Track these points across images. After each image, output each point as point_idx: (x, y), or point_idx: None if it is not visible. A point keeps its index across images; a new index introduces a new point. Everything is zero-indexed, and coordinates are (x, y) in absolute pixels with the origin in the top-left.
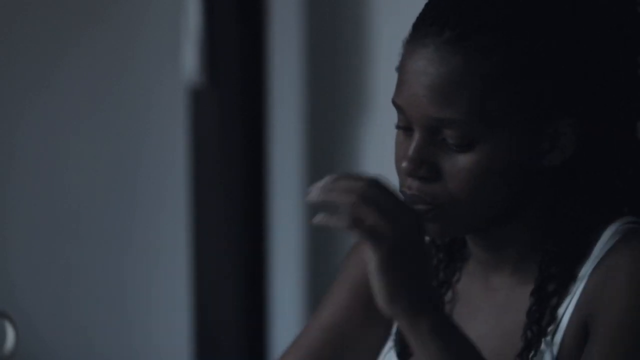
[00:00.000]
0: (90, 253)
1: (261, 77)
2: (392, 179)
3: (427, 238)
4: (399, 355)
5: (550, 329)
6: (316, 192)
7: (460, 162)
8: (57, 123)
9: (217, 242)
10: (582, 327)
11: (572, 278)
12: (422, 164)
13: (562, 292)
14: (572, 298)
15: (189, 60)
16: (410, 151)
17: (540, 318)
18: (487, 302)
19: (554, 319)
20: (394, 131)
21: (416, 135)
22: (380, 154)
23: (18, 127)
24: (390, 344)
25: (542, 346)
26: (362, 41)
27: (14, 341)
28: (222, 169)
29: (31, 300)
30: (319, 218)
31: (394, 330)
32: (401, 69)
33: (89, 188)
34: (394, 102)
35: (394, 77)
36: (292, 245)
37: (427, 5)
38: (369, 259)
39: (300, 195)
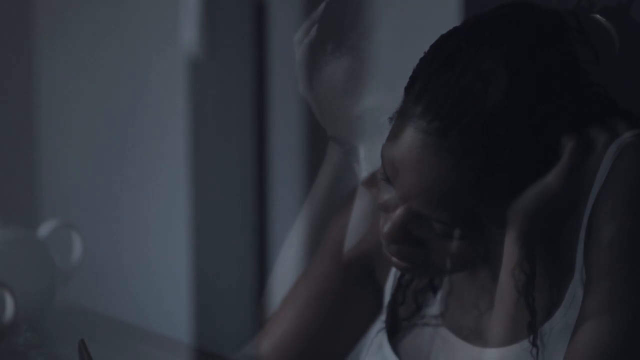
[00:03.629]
0: (92, 223)
1: (262, 49)
2: None
3: None
4: (389, 336)
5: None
6: None
7: (447, 246)
8: (57, 96)
9: (218, 216)
10: None
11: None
12: (404, 238)
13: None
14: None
15: (189, 33)
16: (393, 223)
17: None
18: (476, 295)
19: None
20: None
21: (401, 209)
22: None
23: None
24: (380, 325)
25: (557, 314)
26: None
27: (12, 311)
28: (223, 142)
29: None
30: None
31: (384, 311)
32: (389, 145)
33: (88, 162)
34: (382, 172)
35: (394, 69)
36: (293, 213)
37: (423, 68)
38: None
39: (300, 166)
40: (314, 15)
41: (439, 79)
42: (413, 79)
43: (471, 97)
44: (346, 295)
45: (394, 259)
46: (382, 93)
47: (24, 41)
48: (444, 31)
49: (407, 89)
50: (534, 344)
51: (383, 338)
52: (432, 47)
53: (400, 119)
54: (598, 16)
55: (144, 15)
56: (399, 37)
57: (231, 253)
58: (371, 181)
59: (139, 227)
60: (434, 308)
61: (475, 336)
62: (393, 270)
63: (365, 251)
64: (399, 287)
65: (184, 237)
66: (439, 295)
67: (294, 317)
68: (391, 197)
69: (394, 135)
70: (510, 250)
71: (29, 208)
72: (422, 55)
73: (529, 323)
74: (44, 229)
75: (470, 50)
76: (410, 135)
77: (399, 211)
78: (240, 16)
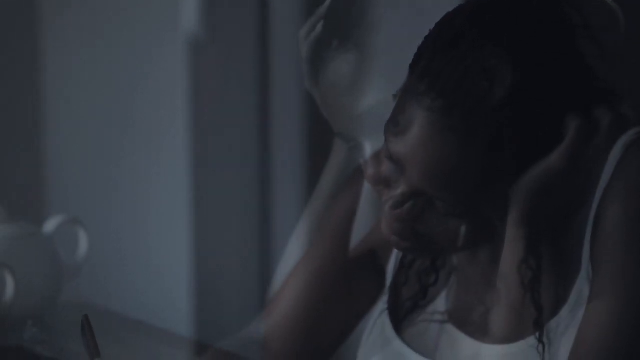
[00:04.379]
0: (97, 219)
1: (263, 32)
2: None
3: None
4: (392, 317)
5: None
6: None
7: (449, 226)
8: (62, 91)
9: (221, 211)
10: None
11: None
12: (406, 217)
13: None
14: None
15: (189, 15)
16: (395, 201)
17: (537, 287)
18: (482, 289)
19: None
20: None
21: (404, 187)
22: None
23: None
24: (383, 305)
25: (563, 311)
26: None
27: (13, 291)
28: (225, 135)
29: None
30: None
31: (386, 292)
32: (393, 122)
33: (93, 158)
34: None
35: (400, 65)
36: (294, 192)
37: (428, 48)
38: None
39: (302, 147)
40: (320, 11)
41: (443, 58)
42: (418, 56)
43: (475, 78)
44: (348, 276)
45: (395, 238)
46: (388, 89)
47: (28, 36)
48: None
49: (412, 66)
50: (540, 340)
51: (386, 323)
52: (437, 25)
53: (405, 96)
54: None
55: (144, 3)
56: (405, 33)
57: (234, 249)
58: (376, 179)
59: (143, 223)
60: (439, 304)
61: (482, 332)
62: (395, 251)
63: (367, 233)
64: (402, 267)
65: (187, 233)
66: (444, 292)
67: (295, 297)
68: (394, 175)
69: (398, 112)
70: (513, 233)
71: (35, 204)
72: None
73: (536, 319)
74: (50, 225)
75: (474, 31)
76: (414, 113)
77: (401, 189)
78: (242, 1)
